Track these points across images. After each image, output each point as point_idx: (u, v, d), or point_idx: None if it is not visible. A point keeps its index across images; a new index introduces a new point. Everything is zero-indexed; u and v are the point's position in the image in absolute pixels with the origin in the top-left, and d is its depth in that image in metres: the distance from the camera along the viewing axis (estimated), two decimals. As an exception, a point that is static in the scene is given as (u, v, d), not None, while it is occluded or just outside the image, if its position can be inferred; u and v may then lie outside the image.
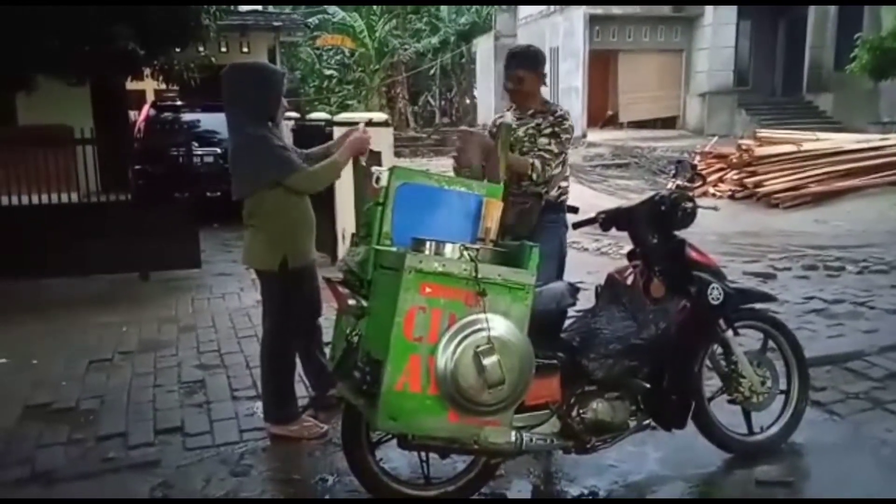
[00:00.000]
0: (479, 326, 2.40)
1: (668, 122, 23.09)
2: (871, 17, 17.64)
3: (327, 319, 3.57)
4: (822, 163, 11.39)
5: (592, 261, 7.36)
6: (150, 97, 15.57)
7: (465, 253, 2.47)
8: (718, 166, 12.29)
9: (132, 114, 13.52)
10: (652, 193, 3.28)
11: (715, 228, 8.03)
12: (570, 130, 3.65)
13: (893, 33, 13.02)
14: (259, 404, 3.72)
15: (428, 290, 2.38)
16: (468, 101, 34.25)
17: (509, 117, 3.64)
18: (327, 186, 3.75)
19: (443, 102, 34.43)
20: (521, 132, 3.62)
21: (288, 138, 7.20)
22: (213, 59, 10.73)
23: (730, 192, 11.44)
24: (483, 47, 30.97)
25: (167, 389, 4.14)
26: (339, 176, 3.50)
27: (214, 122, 9.81)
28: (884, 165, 11.32)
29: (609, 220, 3.35)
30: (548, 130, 3.59)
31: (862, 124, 16.89)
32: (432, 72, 32.72)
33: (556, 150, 3.55)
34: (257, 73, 3.46)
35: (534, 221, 3.54)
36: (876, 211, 9.89)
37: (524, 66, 3.66)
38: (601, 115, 23.54)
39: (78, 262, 6.60)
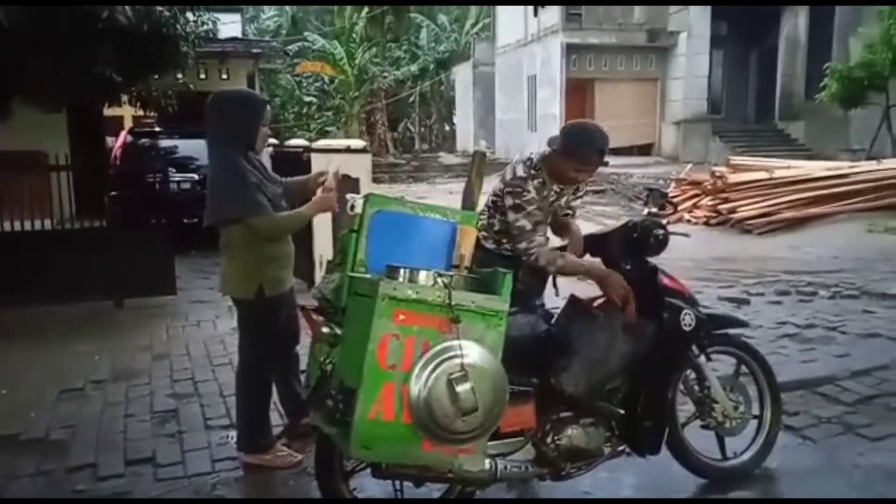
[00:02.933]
0: (452, 353, 2.39)
1: (644, 149, 23.43)
2: (839, 48, 18.10)
3: (303, 347, 3.55)
4: (793, 189, 11.57)
5: (563, 283, 7.38)
6: (128, 123, 15.50)
7: (439, 280, 2.47)
8: (693, 193, 12.44)
9: (109, 140, 13.44)
10: (625, 220, 3.32)
11: (690, 254, 8.10)
12: None
13: (861, 63, 13.36)
14: (232, 433, 3.68)
15: (401, 317, 2.37)
16: (447, 128, 34.55)
17: (482, 145, 3.63)
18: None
19: (422, 129, 34.69)
20: (563, 201, 3.47)
21: (268, 164, 7.20)
22: (191, 85, 10.73)
23: (704, 219, 11.57)
24: (462, 75, 31.34)
25: (139, 419, 4.08)
26: (303, 226, 3.53)
27: (192, 148, 9.77)
28: (853, 192, 11.53)
29: (583, 246, 3.38)
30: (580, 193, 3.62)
31: (832, 151, 17.25)
32: (412, 99, 33.00)
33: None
34: (238, 101, 3.48)
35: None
36: (846, 237, 10.05)
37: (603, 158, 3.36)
38: (578, 142, 23.76)
39: (52, 290, 6.49)
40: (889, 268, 7.95)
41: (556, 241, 3.53)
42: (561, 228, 3.54)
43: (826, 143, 18.53)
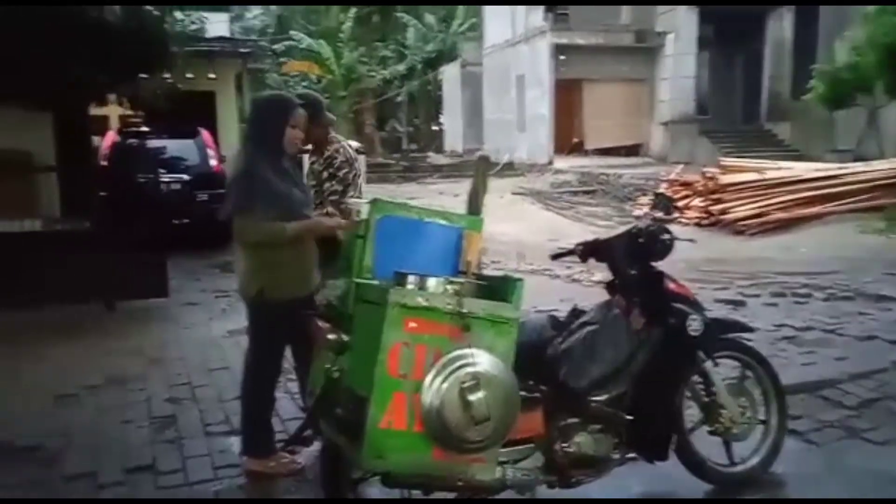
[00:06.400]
0: (464, 362, 2.35)
1: (633, 150, 23.47)
2: (825, 49, 18.21)
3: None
4: (784, 190, 11.64)
5: (564, 287, 7.39)
6: (114, 123, 15.34)
7: (449, 287, 2.44)
8: (684, 194, 12.48)
9: (95, 139, 13.30)
10: (630, 226, 3.30)
11: (683, 256, 8.04)
12: (346, 164, 3.85)
13: (847, 65, 13.44)
14: (233, 440, 3.63)
15: (412, 325, 2.33)
16: (435, 128, 34.53)
17: (485, 150, 3.68)
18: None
19: (410, 129, 34.65)
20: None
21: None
22: (179, 85, 10.63)
23: (696, 220, 11.61)
24: (449, 75, 31.31)
25: (137, 425, 4.02)
26: (282, 241, 3.25)
27: (181, 148, 9.70)
28: (843, 193, 11.61)
29: (587, 251, 3.35)
30: (325, 174, 3.86)
31: (819, 152, 17.37)
32: (399, 98, 32.94)
33: (340, 189, 3.82)
34: (265, 103, 3.47)
35: None
36: (838, 238, 10.10)
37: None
38: (567, 141, 23.84)
39: (40, 292, 6.39)
40: (881, 269, 7.99)
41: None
42: None
43: (812, 144, 18.66)
